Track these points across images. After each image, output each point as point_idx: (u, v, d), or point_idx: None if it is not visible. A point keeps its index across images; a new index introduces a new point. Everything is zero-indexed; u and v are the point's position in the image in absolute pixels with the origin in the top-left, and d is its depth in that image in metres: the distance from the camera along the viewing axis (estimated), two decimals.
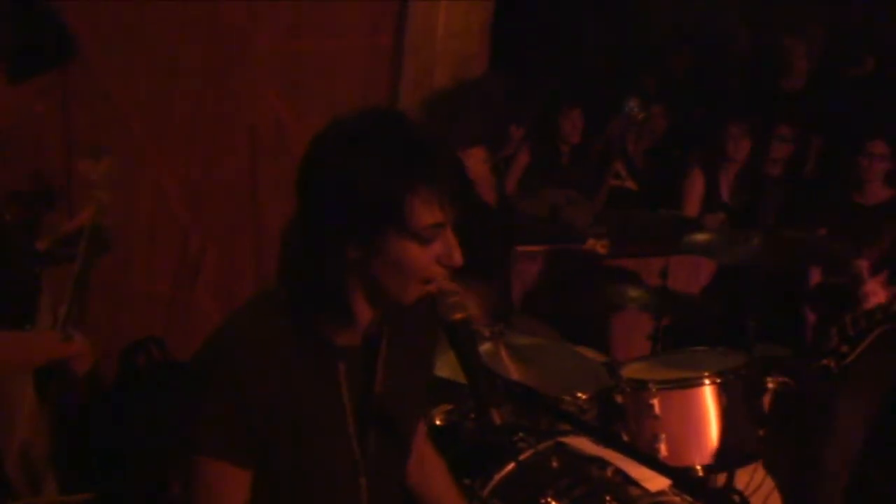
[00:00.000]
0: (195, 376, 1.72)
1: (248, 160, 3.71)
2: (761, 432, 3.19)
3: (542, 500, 2.57)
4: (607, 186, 5.68)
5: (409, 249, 1.64)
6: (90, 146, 2.72)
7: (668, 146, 6.23)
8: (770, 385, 3.36)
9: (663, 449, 3.06)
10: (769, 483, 3.39)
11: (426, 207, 1.62)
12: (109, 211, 2.57)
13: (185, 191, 3.65)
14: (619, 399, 3.15)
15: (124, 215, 3.53)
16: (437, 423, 2.93)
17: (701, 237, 4.05)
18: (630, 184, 5.87)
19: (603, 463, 2.69)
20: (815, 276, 4.26)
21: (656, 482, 2.59)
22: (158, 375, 3.48)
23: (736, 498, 3.24)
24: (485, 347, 2.96)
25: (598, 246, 4.88)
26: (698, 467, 3.11)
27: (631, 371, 3.26)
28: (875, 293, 3.82)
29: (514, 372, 2.93)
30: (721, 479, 3.26)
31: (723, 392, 3.13)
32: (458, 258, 1.67)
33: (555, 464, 2.72)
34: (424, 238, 1.64)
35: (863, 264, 3.91)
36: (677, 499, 2.59)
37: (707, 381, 3.14)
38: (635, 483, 2.61)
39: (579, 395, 3.02)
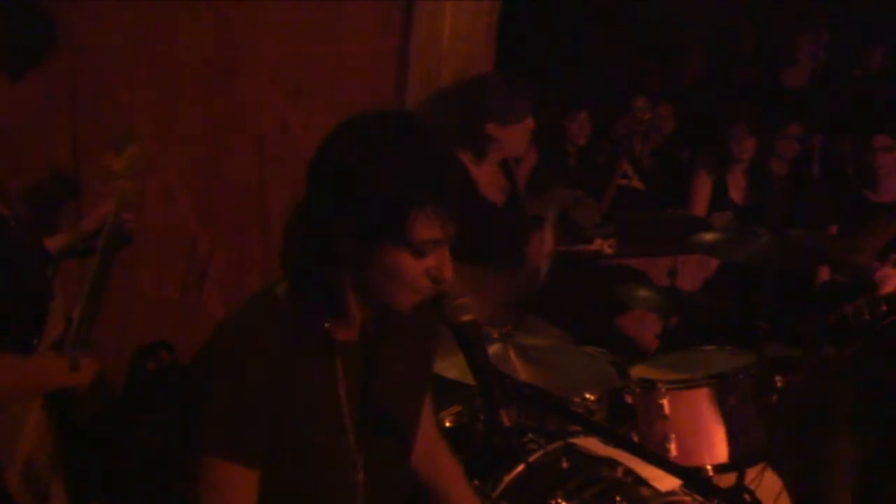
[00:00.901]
0: (198, 377, 1.71)
1: (255, 164, 3.71)
2: (770, 432, 3.19)
3: (552, 502, 2.57)
4: (614, 186, 5.68)
5: (403, 259, 1.65)
6: (114, 137, 2.69)
7: (675, 146, 6.23)
8: (779, 384, 3.36)
9: (673, 449, 3.07)
10: (778, 483, 3.39)
11: (428, 224, 1.62)
12: (134, 201, 2.56)
13: (192, 195, 3.65)
14: (628, 399, 3.15)
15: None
16: (447, 424, 2.93)
17: (709, 236, 4.04)
18: (637, 184, 5.87)
19: (613, 463, 2.70)
20: (824, 275, 4.24)
21: (667, 482, 2.59)
22: (168, 380, 3.49)
23: (747, 497, 3.24)
24: (493, 348, 2.96)
25: (606, 246, 4.87)
26: (708, 467, 3.11)
27: (640, 371, 3.27)
28: (891, 276, 3.77)
29: (523, 373, 2.93)
30: (731, 478, 3.26)
31: (732, 392, 3.13)
32: (448, 275, 1.68)
33: (564, 465, 2.72)
34: (421, 251, 1.64)
35: (866, 258, 3.88)
36: (688, 498, 2.60)
37: (716, 381, 3.14)
38: (646, 483, 2.62)
39: (588, 395, 3.02)
